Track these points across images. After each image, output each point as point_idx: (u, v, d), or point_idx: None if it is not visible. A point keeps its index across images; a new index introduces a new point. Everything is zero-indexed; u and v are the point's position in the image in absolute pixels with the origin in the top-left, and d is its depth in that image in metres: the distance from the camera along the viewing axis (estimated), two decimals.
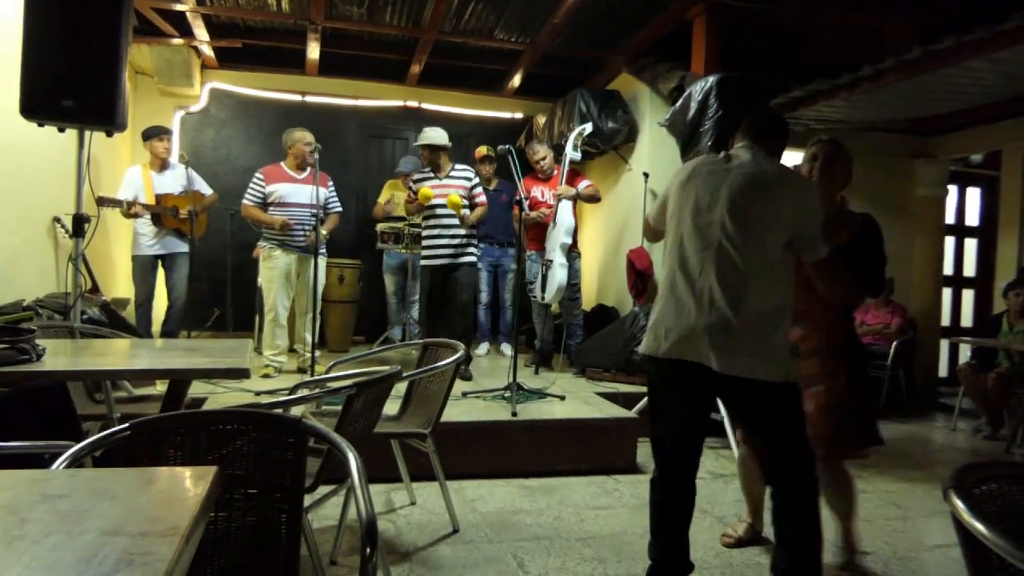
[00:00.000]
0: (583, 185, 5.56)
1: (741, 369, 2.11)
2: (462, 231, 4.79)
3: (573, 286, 5.54)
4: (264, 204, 4.77)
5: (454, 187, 4.74)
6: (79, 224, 3.38)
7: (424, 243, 4.92)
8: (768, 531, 2.70)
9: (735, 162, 2.31)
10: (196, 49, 6.25)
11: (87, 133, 3.32)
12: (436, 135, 4.81)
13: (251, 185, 4.79)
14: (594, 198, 5.68)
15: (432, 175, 4.86)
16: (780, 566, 2.21)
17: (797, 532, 2.20)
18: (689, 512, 2.30)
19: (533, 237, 5.58)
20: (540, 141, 5.95)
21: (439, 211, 4.78)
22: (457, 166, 4.88)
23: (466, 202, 4.74)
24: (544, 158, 5.63)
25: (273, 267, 4.76)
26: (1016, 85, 4.68)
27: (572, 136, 5.44)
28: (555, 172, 5.52)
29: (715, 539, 2.94)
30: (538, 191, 5.62)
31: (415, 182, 4.92)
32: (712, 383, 2.17)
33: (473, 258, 4.89)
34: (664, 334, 2.24)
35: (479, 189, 4.89)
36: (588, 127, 5.59)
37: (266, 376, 4.64)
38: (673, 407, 2.30)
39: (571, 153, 5.38)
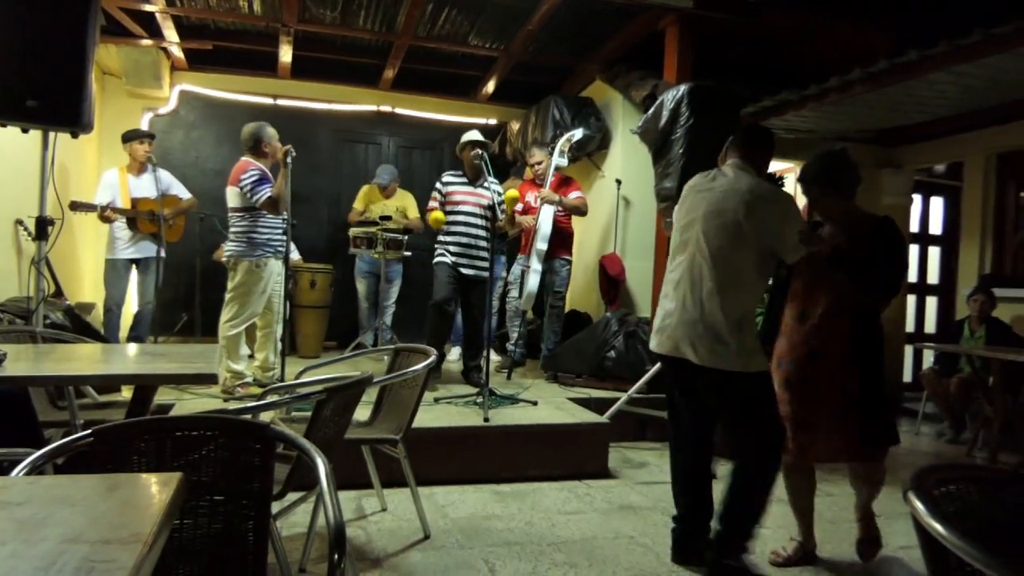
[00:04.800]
0: (573, 195, 5.47)
1: (710, 360, 2.51)
2: (483, 244, 4.73)
3: (557, 293, 5.52)
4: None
5: (486, 198, 4.73)
6: (42, 227, 3.32)
7: (448, 240, 4.79)
8: (823, 550, 2.93)
9: (717, 181, 2.65)
10: (165, 50, 6.17)
11: (52, 134, 3.25)
12: (478, 133, 4.81)
13: (258, 178, 4.24)
14: (579, 210, 5.54)
15: (467, 181, 4.79)
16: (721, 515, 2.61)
17: (735, 492, 2.58)
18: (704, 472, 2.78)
19: (526, 242, 5.55)
20: (539, 145, 5.82)
21: (469, 219, 4.75)
22: (491, 179, 4.80)
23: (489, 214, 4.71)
24: (540, 163, 5.53)
25: (262, 277, 4.35)
26: (977, 98, 4.81)
27: (560, 142, 5.40)
28: (551, 178, 5.44)
29: None
30: (532, 196, 5.55)
31: (444, 184, 4.87)
32: (692, 373, 2.58)
33: (487, 274, 4.71)
34: (656, 332, 2.73)
35: (504, 206, 4.84)
36: (577, 133, 5.55)
37: (246, 395, 4.27)
38: (669, 390, 2.85)
39: (558, 159, 5.37)
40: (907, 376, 7.00)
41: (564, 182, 5.52)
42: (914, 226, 7.23)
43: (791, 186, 4.20)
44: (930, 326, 7.54)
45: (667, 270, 2.75)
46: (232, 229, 4.39)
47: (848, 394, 2.68)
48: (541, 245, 5.24)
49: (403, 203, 6.27)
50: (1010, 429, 4.56)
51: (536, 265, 5.23)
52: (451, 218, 4.77)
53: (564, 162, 5.44)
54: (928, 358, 6.57)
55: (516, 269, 5.56)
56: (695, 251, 2.59)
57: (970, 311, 5.40)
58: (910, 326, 7.20)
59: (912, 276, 7.18)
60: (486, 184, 4.78)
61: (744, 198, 2.52)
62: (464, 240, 4.74)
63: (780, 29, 5.18)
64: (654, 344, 2.74)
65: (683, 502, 2.78)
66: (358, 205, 6.26)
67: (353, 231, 5.79)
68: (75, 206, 4.61)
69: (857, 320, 2.72)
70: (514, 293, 5.46)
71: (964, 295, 5.67)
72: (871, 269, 2.65)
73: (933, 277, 7.57)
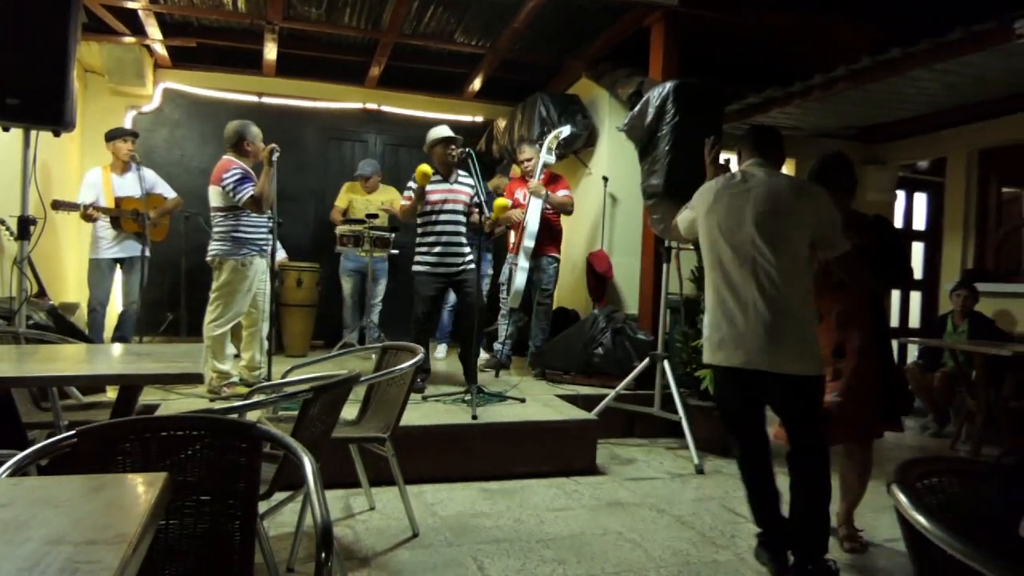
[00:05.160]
0: (561, 193, 5.43)
1: (788, 368, 2.48)
2: (465, 240, 4.62)
3: (544, 291, 5.50)
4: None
5: (463, 193, 4.64)
6: (24, 227, 3.28)
7: (428, 240, 4.63)
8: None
9: (752, 181, 2.62)
10: (149, 48, 6.11)
11: (34, 133, 3.22)
12: (448, 129, 4.68)
13: (240, 177, 4.19)
14: (565, 208, 5.49)
15: (441, 179, 4.64)
16: (798, 514, 2.60)
17: (817, 495, 2.58)
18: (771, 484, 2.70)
19: (517, 241, 5.49)
20: (530, 142, 5.76)
21: (450, 216, 4.62)
22: (462, 173, 4.71)
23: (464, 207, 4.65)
24: (530, 159, 5.48)
25: (248, 276, 4.32)
26: (959, 95, 4.87)
27: (547, 139, 5.39)
28: (540, 175, 5.40)
29: (672, 538, 2.98)
30: (521, 193, 5.52)
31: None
32: (763, 381, 2.54)
33: (473, 264, 4.62)
34: (719, 344, 2.62)
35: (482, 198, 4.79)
36: (565, 130, 5.53)
37: (232, 395, 4.24)
38: (734, 405, 2.72)
39: (545, 156, 5.35)
40: None
41: (552, 179, 5.51)
42: (898, 222, 7.30)
43: None
44: (914, 321, 7.62)
45: (714, 278, 2.66)
46: (216, 228, 4.35)
47: (871, 380, 2.82)
48: (528, 242, 5.24)
49: (387, 197, 6.26)
50: (993, 423, 4.61)
51: (523, 262, 5.23)
52: (429, 217, 4.64)
53: (552, 159, 5.42)
54: (912, 353, 6.63)
55: (506, 269, 5.55)
56: (754, 254, 2.53)
57: (953, 306, 5.46)
58: (894, 321, 7.28)
59: None
60: (460, 179, 4.71)
61: (793, 193, 2.56)
62: (445, 239, 4.62)
63: (765, 27, 5.21)
64: (719, 358, 2.62)
65: (768, 515, 2.69)
66: (340, 203, 6.24)
67: (340, 229, 5.77)
68: (58, 205, 4.55)
69: (871, 312, 2.87)
70: (505, 294, 5.46)
71: (947, 290, 5.73)
72: (874, 263, 2.77)
73: (917, 272, 7.65)
